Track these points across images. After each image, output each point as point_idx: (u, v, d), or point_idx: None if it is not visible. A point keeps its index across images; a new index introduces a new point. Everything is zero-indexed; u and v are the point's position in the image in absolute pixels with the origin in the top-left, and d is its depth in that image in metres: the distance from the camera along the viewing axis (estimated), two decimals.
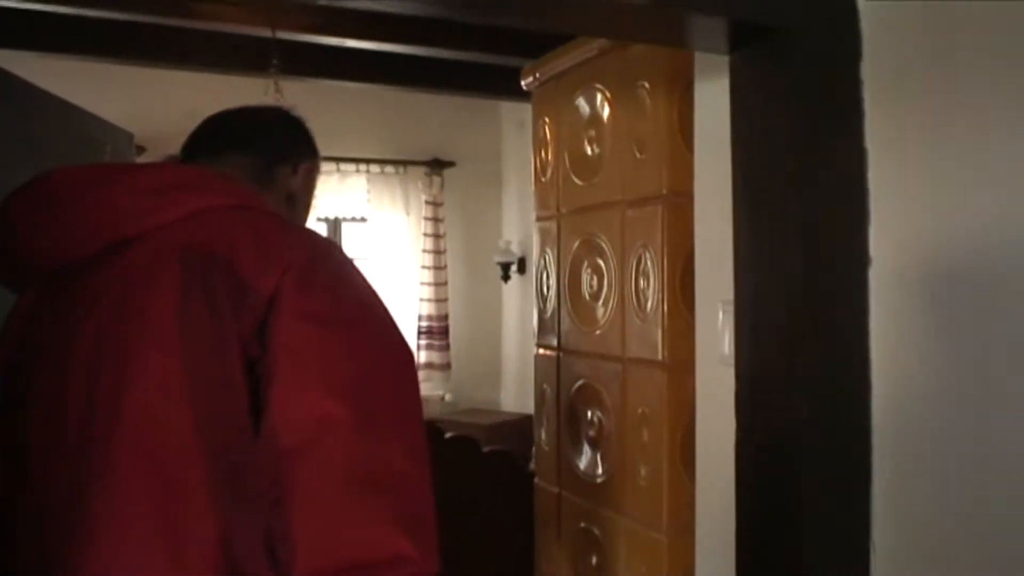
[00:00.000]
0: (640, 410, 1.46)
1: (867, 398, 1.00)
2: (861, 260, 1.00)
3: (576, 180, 1.66)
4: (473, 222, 4.19)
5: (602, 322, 1.57)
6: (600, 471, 1.58)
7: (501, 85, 2.24)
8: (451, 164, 4.10)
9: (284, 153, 0.85)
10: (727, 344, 1.16)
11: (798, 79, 1.00)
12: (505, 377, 4.19)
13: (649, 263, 1.43)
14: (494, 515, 2.09)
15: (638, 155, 1.46)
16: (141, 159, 3.53)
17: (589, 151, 1.62)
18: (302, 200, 0.87)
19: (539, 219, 1.82)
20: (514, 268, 3.98)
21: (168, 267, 0.65)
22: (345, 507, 0.61)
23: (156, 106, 3.34)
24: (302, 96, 2.99)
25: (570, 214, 1.70)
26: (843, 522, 0.99)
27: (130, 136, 1.42)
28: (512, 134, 4.04)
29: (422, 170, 4.03)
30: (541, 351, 1.82)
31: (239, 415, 0.62)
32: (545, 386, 1.80)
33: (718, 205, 1.16)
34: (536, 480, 1.84)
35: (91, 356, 0.64)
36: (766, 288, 1.05)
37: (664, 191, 1.40)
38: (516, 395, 3.97)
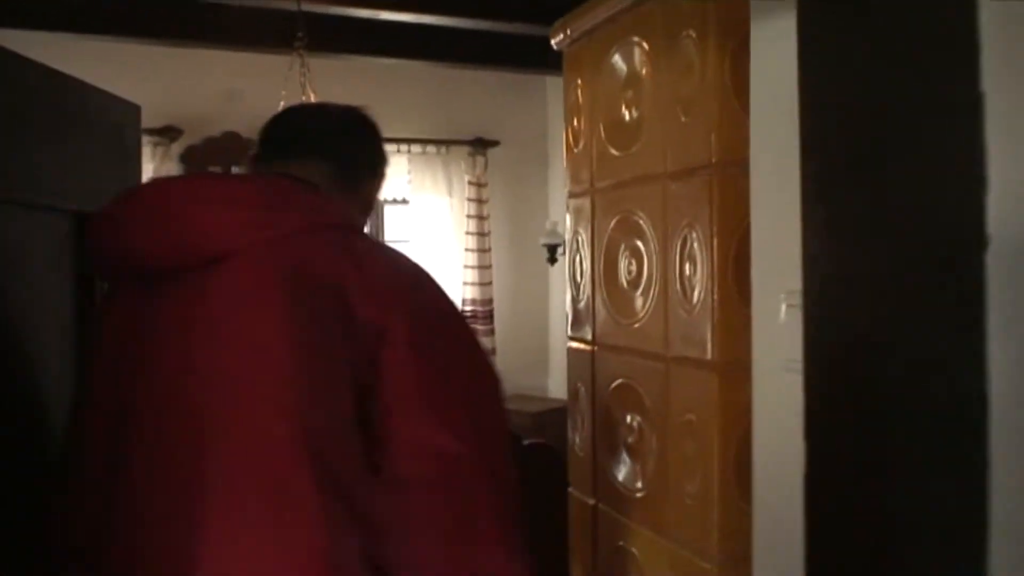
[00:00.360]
0: (686, 417, 1.26)
1: (983, 423, 0.77)
2: (975, 240, 0.77)
3: (612, 150, 1.46)
4: (518, 203, 4.05)
5: (641, 314, 1.38)
6: (640, 484, 1.40)
7: (547, 58, 2.09)
8: (495, 143, 3.96)
9: (366, 160, 0.87)
10: (792, 345, 0.96)
11: (889, 4, 0.77)
12: (552, 362, 4.06)
13: (696, 245, 1.22)
14: (532, 512, 1.95)
15: (683, 118, 1.25)
16: (180, 142, 3.53)
17: (627, 116, 1.41)
18: (374, 203, 0.90)
19: (572, 195, 1.63)
20: (560, 250, 3.80)
21: (276, 288, 0.67)
22: (468, 537, 0.66)
23: (192, 87, 3.30)
24: (338, 73, 2.90)
25: (606, 189, 1.51)
26: None
27: (137, 109, 1.31)
28: (559, 111, 3.83)
29: (465, 150, 3.92)
30: (574, 344, 1.64)
31: (349, 436, 0.65)
32: (579, 384, 1.63)
33: (780, 175, 1.00)
34: (570, 489, 1.67)
35: (201, 371, 0.66)
36: (844, 277, 0.83)
37: (714, 160, 1.21)
38: (564, 381, 3.81)
